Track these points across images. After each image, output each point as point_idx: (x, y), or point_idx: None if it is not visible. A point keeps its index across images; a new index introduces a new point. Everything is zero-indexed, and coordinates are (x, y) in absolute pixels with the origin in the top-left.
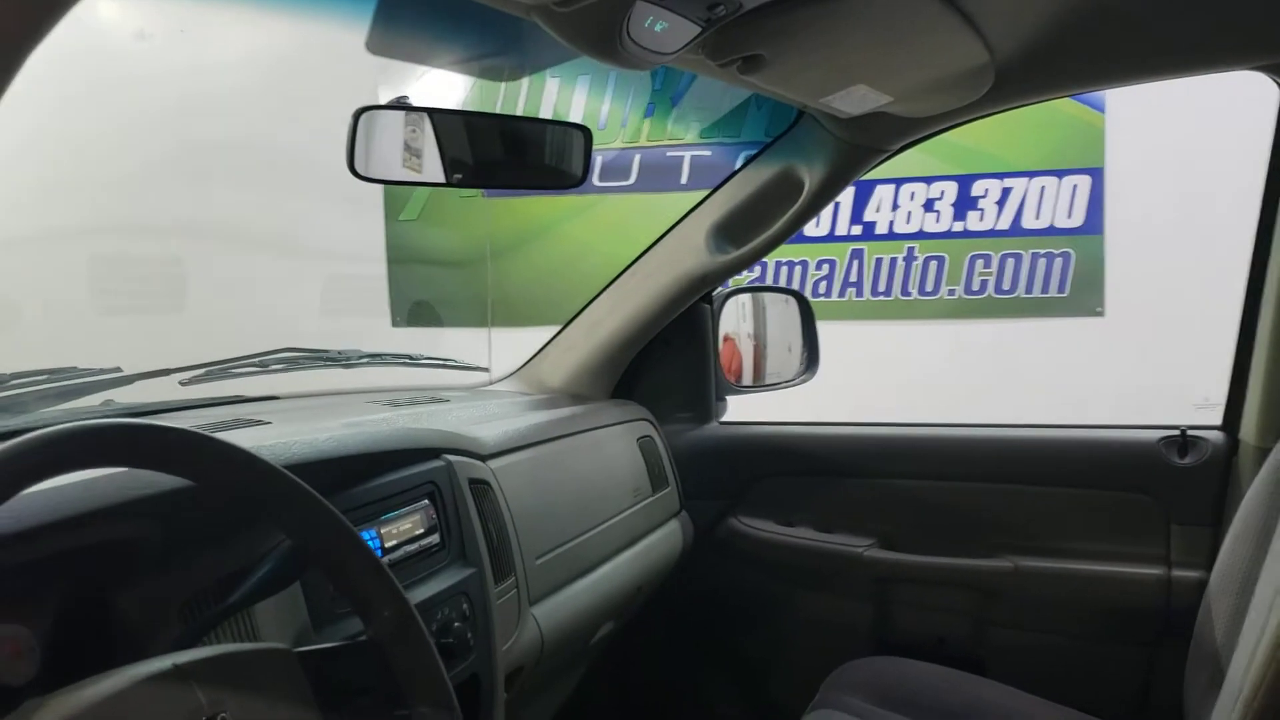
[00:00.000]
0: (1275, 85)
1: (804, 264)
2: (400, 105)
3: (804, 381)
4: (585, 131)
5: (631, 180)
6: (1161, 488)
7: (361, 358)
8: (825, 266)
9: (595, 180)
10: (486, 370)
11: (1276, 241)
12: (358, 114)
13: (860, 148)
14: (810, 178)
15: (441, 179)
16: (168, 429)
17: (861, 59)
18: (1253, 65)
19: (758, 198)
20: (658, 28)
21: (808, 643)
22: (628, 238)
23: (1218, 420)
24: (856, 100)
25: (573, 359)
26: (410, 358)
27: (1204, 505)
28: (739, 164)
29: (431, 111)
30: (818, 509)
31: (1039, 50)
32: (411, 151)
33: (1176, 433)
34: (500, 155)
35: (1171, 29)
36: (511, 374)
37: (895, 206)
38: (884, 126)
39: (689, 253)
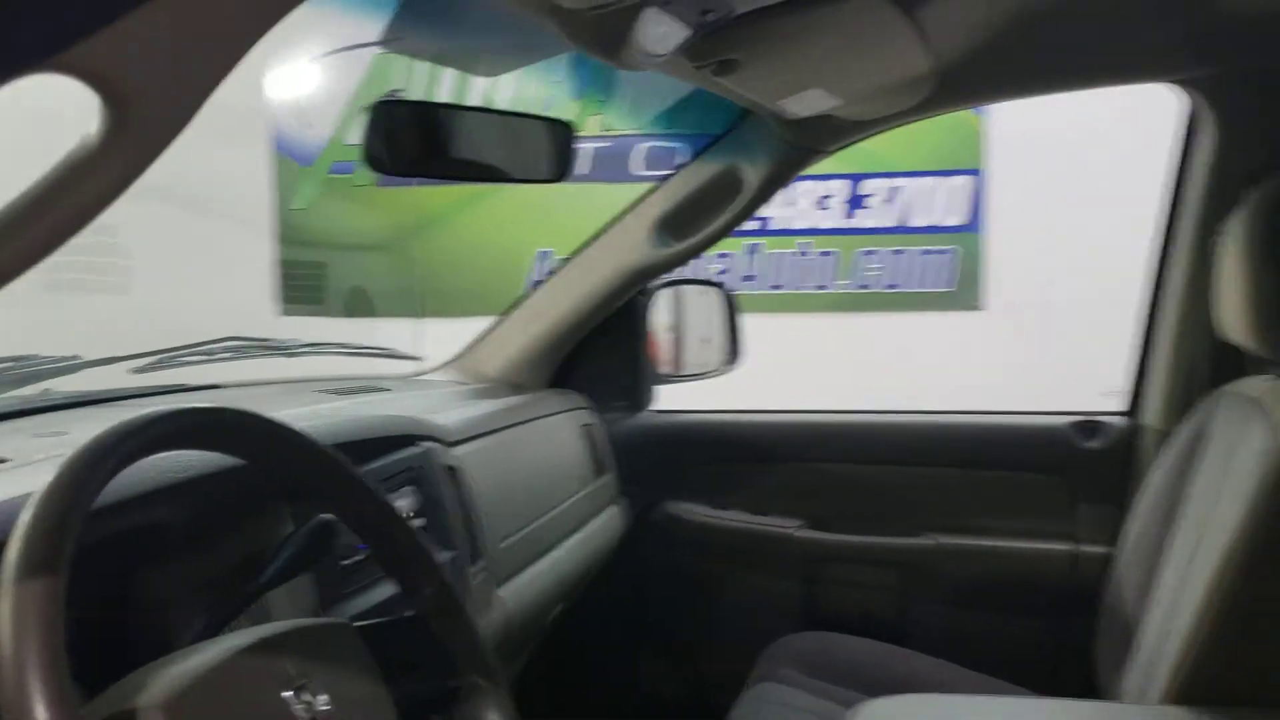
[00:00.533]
0: (1186, 97)
1: (701, 258)
2: (413, 100)
3: (728, 371)
4: (569, 126)
5: None
6: (1070, 469)
7: (301, 347)
8: (723, 261)
9: None
10: (420, 359)
11: (1179, 241)
12: (375, 107)
13: (802, 148)
14: (753, 176)
15: (448, 173)
16: (229, 410)
17: (822, 64)
18: (1168, 79)
19: (700, 194)
20: (657, 31)
21: (742, 620)
22: (524, 227)
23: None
24: (809, 103)
25: (511, 349)
26: (348, 347)
27: (1109, 485)
28: (639, 156)
29: (441, 106)
30: (749, 493)
31: (975, 60)
32: (422, 145)
33: (1084, 418)
34: (493, 149)
35: (1097, 44)
36: (447, 363)
37: (790, 204)
38: (826, 128)
39: (631, 246)
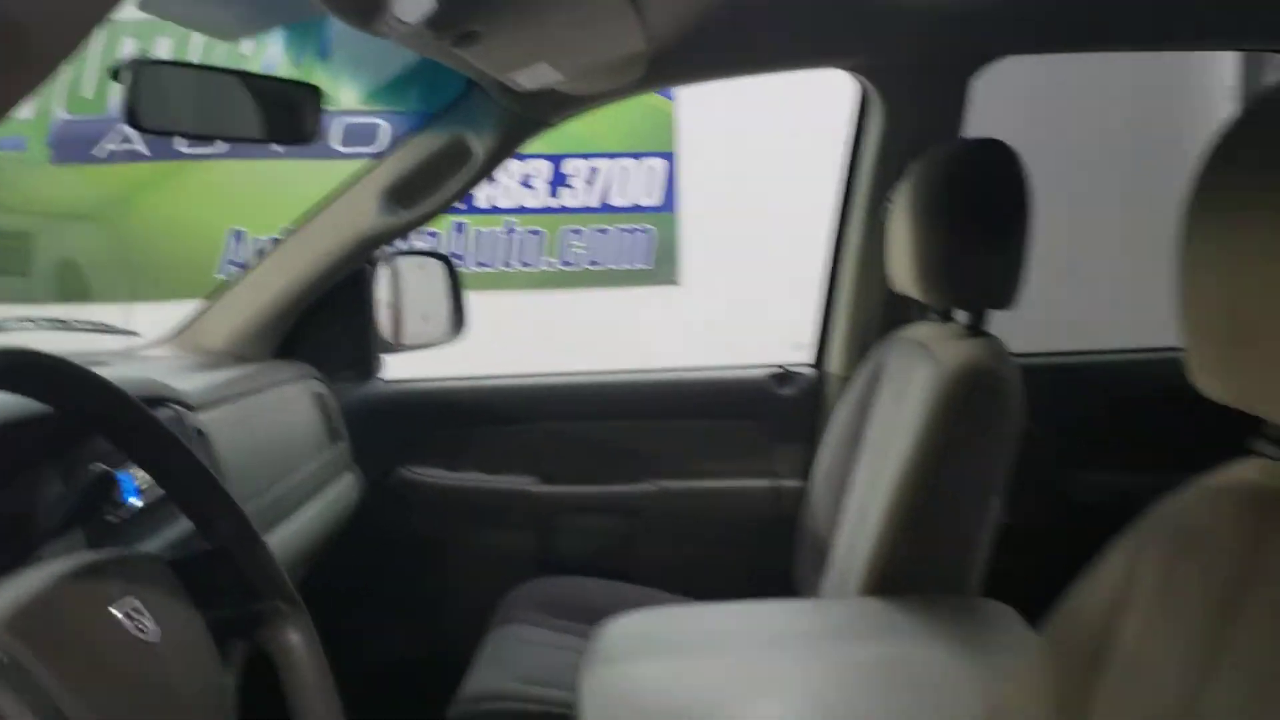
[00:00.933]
0: (856, 83)
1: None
2: (170, 61)
3: (453, 341)
4: (317, 90)
5: (224, 147)
6: (769, 414)
7: (12, 321)
8: (431, 239)
9: (182, 147)
10: (136, 334)
11: (854, 209)
12: (131, 66)
13: (527, 120)
14: (480, 146)
15: (202, 132)
16: (40, 352)
17: (551, 39)
18: (842, 65)
19: (428, 163)
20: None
21: (482, 575)
22: (216, 206)
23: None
24: (537, 76)
25: (235, 321)
26: (61, 321)
27: (801, 427)
28: (338, 132)
29: (196, 67)
30: (482, 454)
31: (684, 43)
32: (178, 105)
33: (779, 369)
34: (246, 110)
35: (784, 33)
36: (164, 339)
37: (495, 183)
38: (550, 101)
39: (359, 215)
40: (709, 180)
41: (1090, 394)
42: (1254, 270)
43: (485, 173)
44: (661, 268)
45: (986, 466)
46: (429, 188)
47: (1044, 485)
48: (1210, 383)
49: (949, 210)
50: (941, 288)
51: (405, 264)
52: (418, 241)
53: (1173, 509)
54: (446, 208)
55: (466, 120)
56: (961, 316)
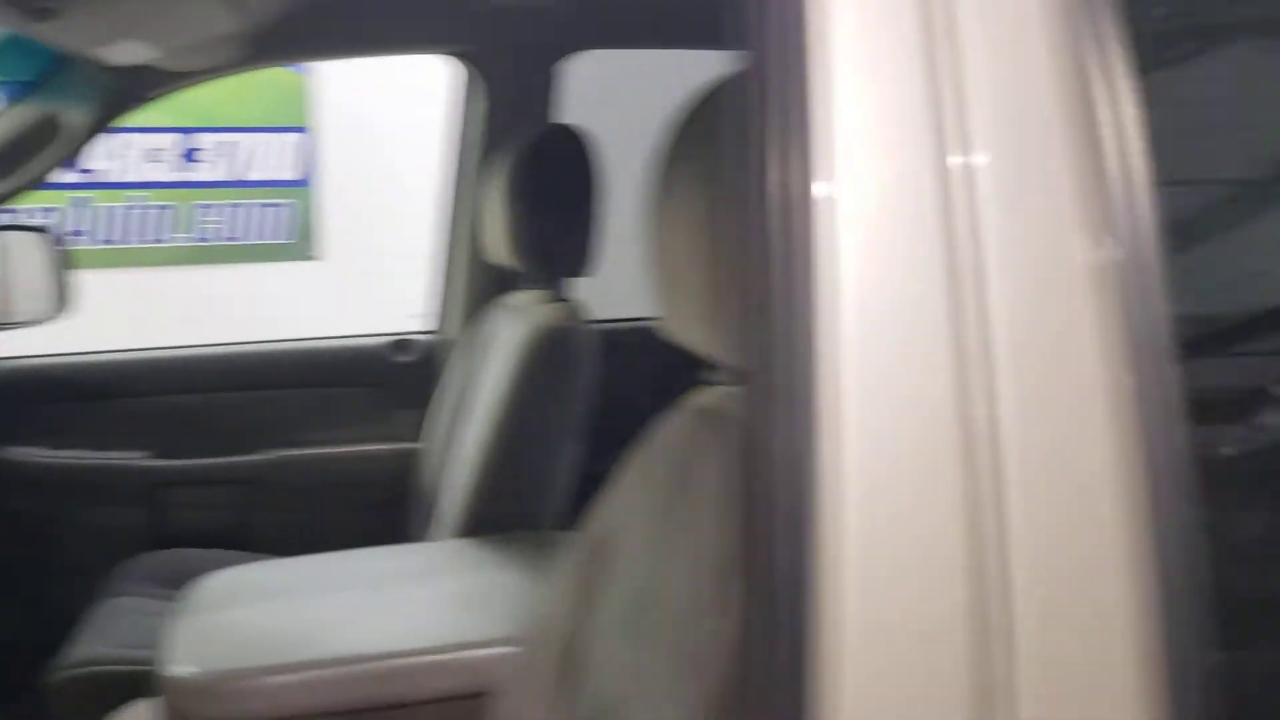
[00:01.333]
0: (461, 67)
1: (24, 210)
2: None
3: (54, 318)
4: None
5: None
6: (387, 381)
7: None
8: (48, 216)
9: None
10: None
11: (462, 186)
12: None
13: (122, 95)
14: (74, 119)
15: None
16: None
17: (135, 17)
18: (443, 51)
19: (18, 137)
20: None
21: (93, 550)
22: None
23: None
24: (126, 53)
25: None
26: None
27: (420, 391)
28: None
29: None
30: (92, 430)
31: (284, 24)
32: None
33: (398, 337)
34: None
35: (384, 17)
36: None
37: (119, 156)
38: (148, 76)
39: None
40: (347, 155)
41: (668, 352)
42: (680, 241)
43: (79, 147)
44: (300, 243)
45: (560, 416)
46: (18, 162)
47: (629, 434)
48: (672, 333)
49: (531, 188)
50: (529, 258)
51: (3, 239)
52: (34, 219)
53: (658, 428)
54: (38, 183)
55: (60, 93)
56: (551, 284)
